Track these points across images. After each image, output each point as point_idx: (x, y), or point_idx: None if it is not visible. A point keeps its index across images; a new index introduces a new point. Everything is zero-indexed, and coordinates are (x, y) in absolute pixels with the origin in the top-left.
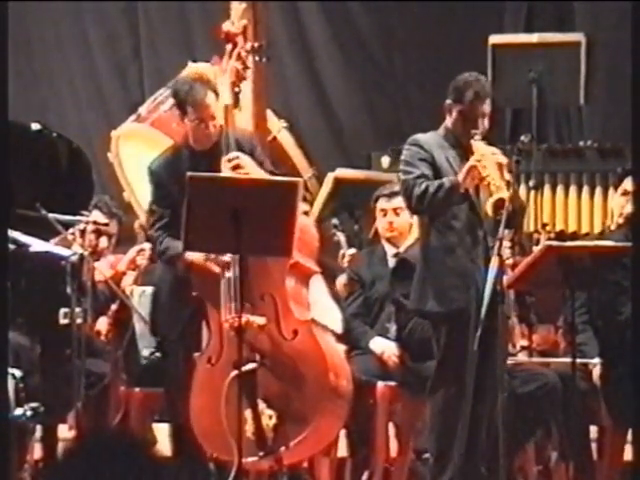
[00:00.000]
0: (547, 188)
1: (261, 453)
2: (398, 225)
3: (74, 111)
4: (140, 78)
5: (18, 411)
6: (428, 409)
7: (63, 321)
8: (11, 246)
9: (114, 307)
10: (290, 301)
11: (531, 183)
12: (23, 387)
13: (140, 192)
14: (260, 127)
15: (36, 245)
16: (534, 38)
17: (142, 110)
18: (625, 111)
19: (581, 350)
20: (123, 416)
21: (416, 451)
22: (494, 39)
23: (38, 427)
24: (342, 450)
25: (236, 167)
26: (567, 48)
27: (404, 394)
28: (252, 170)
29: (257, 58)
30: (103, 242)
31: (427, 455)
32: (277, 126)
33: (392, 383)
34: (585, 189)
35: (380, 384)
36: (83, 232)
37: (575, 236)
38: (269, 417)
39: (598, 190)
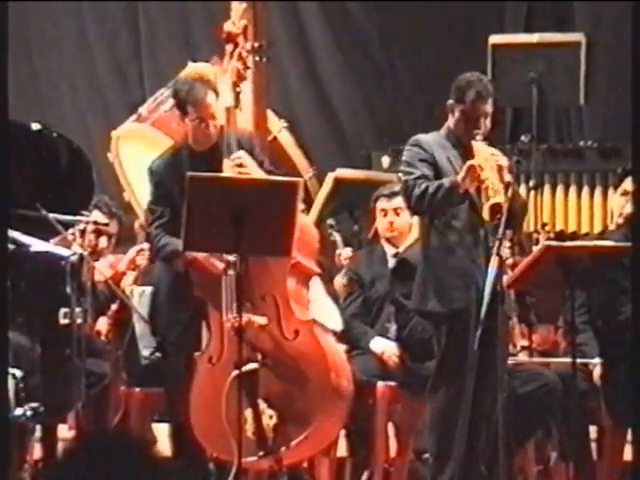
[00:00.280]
0: (547, 188)
1: (261, 453)
2: (398, 225)
3: (74, 111)
4: (140, 78)
5: (18, 411)
6: (428, 409)
7: (63, 321)
8: (11, 246)
9: (114, 307)
10: (291, 301)
11: (531, 183)
12: (23, 387)
13: (140, 192)
14: (260, 127)
15: (36, 245)
16: (534, 38)
17: (142, 110)
18: (625, 111)
19: (581, 350)
20: (123, 416)
21: (416, 451)
22: (494, 39)
23: (38, 427)
24: (342, 450)
25: (239, 165)
26: (567, 48)
27: (404, 394)
28: (254, 170)
29: (257, 58)
30: (103, 242)
31: (427, 455)
32: (277, 126)
33: (392, 383)
34: (585, 189)
35: (380, 384)
36: (83, 232)
37: (575, 236)
38: (270, 417)
39: (598, 190)
